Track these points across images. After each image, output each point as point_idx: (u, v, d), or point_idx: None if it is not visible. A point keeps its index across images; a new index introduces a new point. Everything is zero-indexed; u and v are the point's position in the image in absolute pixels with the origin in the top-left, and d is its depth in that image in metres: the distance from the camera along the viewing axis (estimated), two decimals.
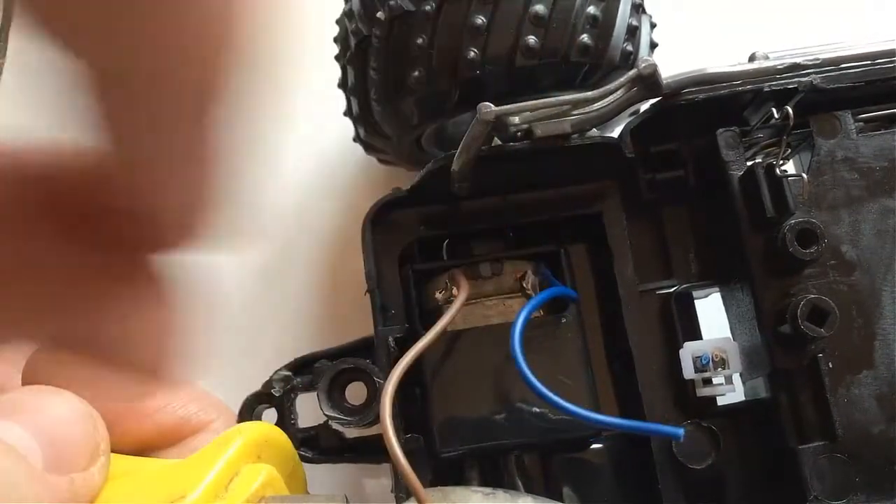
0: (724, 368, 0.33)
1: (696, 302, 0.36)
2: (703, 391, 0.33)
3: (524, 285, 0.35)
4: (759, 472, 0.33)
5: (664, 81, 0.32)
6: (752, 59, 0.33)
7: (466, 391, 0.33)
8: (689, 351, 0.33)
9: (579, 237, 0.36)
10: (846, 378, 0.31)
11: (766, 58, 0.33)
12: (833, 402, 0.30)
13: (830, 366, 0.31)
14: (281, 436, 0.27)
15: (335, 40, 0.40)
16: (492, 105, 0.31)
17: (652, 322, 0.35)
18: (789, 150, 0.34)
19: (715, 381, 0.33)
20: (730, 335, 0.35)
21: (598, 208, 0.35)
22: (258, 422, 0.32)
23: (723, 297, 0.35)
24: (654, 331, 0.35)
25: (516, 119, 0.32)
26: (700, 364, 0.33)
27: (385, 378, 0.31)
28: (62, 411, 0.23)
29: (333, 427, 0.34)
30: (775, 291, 0.32)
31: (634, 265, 0.34)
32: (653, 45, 0.39)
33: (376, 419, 0.32)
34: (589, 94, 0.32)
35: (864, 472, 0.30)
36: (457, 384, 0.33)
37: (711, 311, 0.36)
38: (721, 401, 0.34)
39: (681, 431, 0.30)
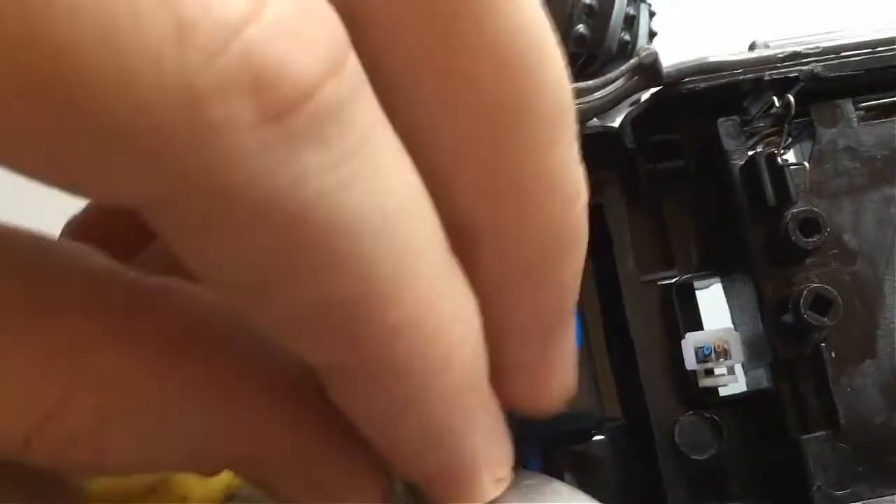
0: (725, 359, 0.33)
1: (698, 292, 0.36)
2: (705, 382, 0.33)
3: None
4: (762, 463, 0.33)
5: (664, 70, 0.31)
6: (752, 47, 0.33)
7: None
8: (690, 342, 0.33)
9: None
10: (849, 367, 0.31)
11: (767, 46, 0.33)
12: (836, 392, 0.30)
13: (833, 355, 0.31)
14: None
15: None
16: None
17: (653, 313, 0.35)
18: (790, 139, 0.34)
19: (717, 371, 0.33)
20: (731, 325, 0.34)
21: (599, 199, 0.35)
22: None
23: (724, 287, 0.35)
24: (655, 322, 0.35)
25: None
26: (702, 355, 0.33)
27: None
28: None
29: None
30: (777, 281, 0.31)
31: (635, 256, 0.34)
32: (652, 34, 0.39)
33: None
34: (589, 83, 0.31)
35: (867, 461, 0.30)
36: None
37: (713, 301, 0.36)
38: (723, 391, 0.34)
39: None
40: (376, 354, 0.13)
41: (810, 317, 0.30)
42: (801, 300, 0.30)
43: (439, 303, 0.13)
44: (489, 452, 0.16)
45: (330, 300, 0.12)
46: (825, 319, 0.30)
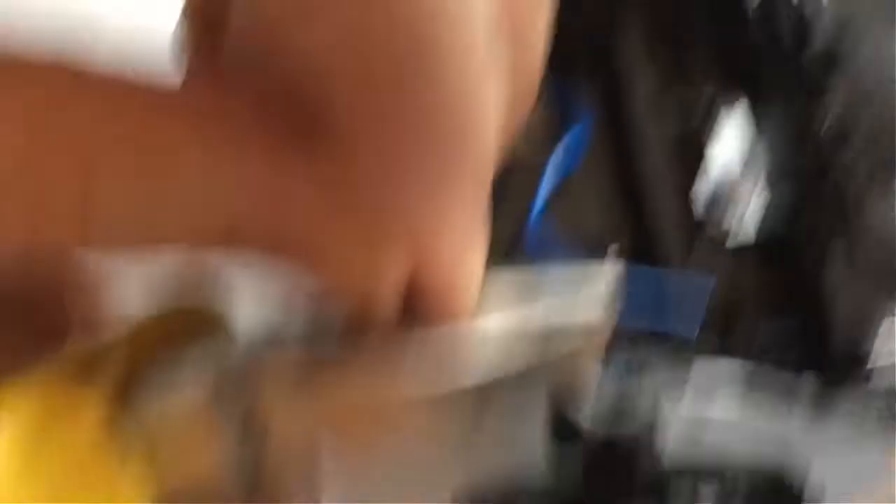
0: (737, 206, 0.33)
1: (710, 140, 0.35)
2: (715, 229, 0.33)
3: None
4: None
5: None
6: None
7: None
8: (702, 188, 0.33)
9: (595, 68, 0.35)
10: (867, 200, 0.30)
11: None
12: (856, 225, 0.30)
13: (853, 188, 0.30)
14: None
15: None
16: None
17: (665, 160, 0.34)
18: None
19: (728, 218, 0.33)
20: (741, 172, 0.34)
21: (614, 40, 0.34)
22: None
23: (742, 125, 0.35)
24: (666, 169, 0.34)
25: None
26: (713, 200, 0.33)
27: None
28: None
29: None
30: (797, 116, 0.31)
31: (649, 98, 0.33)
32: None
33: None
34: None
35: (887, 285, 0.30)
36: None
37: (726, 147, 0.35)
38: (732, 240, 0.34)
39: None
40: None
41: (831, 148, 0.30)
42: (822, 133, 0.30)
43: None
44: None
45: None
46: (846, 152, 0.30)
